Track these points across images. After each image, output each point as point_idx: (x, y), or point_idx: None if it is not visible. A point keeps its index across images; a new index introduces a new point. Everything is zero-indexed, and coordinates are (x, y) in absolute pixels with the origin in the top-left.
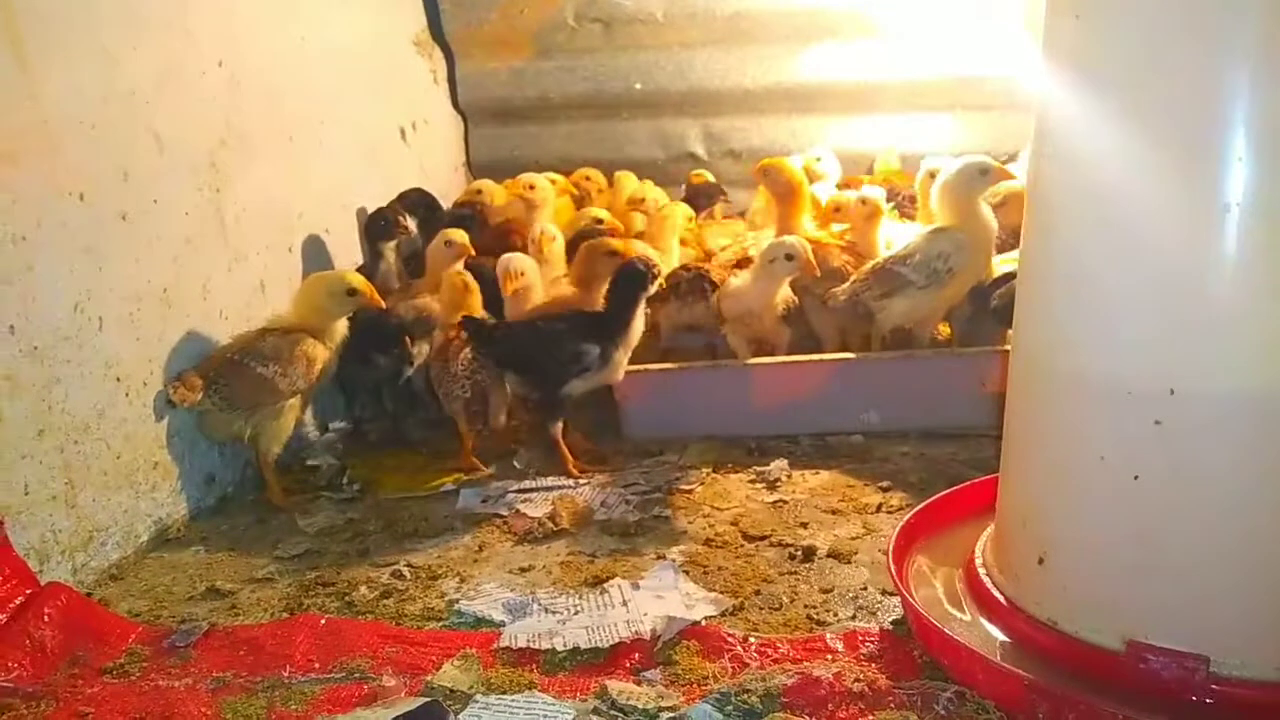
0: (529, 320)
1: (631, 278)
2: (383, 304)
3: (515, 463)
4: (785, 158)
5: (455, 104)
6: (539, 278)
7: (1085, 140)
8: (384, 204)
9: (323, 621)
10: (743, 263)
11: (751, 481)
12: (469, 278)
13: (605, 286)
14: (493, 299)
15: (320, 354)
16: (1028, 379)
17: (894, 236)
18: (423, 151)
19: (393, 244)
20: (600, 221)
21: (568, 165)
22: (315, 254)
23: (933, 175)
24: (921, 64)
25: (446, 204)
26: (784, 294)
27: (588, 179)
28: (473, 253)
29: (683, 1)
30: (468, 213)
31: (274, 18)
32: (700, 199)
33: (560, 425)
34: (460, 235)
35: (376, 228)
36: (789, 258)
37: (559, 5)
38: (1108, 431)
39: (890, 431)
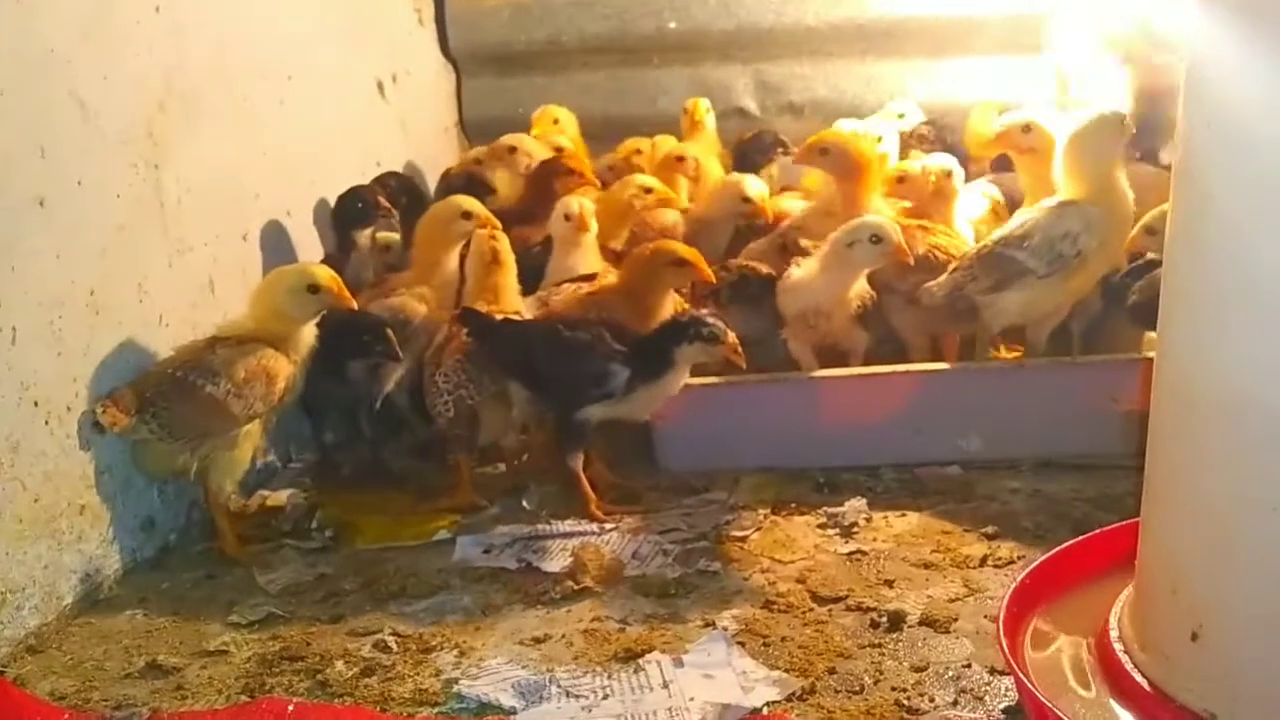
0: (549, 320)
1: (678, 332)
2: (354, 303)
3: (525, 502)
4: (843, 130)
5: (445, 50)
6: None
7: (1257, 98)
8: (358, 180)
9: (290, 707)
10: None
11: (821, 526)
12: (502, 244)
13: (661, 303)
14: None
15: (283, 368)
16: (1177, 402)
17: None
18: (406, 110)
19: (369, 231)
20: (649, 191)
21: (586, 124)
22: (275, 243)
23: (1027, 129)
24: None
25: (435, 172)
26: (859, 288)
27: (639, 153)
28: (495, 224)
29: None
30: (462, 183)
31: None
32: (754, 155)
33: (580, 456)
34: (474, 203)
35: (350, 210)
36: (875, 240)
37: None
38: None
39: (997, 461)
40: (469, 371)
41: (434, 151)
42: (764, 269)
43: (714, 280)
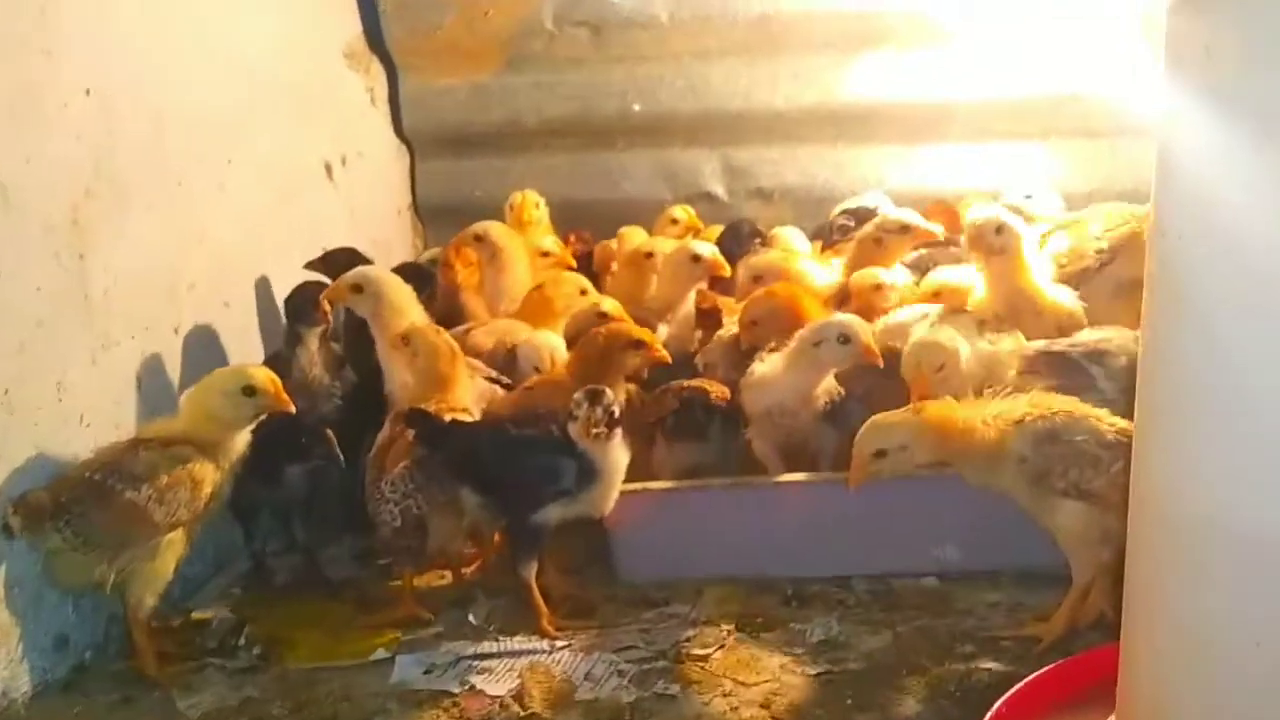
0: (496, 418)
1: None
2: (292, 406)
3: (471, 615)
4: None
5: (398, 131)
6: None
7: (1233, 190)
8: (300, 268)
9: None
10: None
11: (788, 644)
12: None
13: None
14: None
15: (209, 475)
16: (1152, 519)
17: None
18: (355, 193)
19: (319, 330)
20: (604, 315)
21: (549, 209)
22: (210, 337)
23: (999, 230)
24: (1004, 79)
25: (387, 258)
26: (827, 384)
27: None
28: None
29: (694, 0)
30: (425, 270)
31: (159, 27)
32: (731, 246)
33: (534, 565)
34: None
35: (300, 306)
36: (843, 340)
37: (534, 5)
38: (1268, 608)
39: (976, 573)
40: (417, 479)
41: (385, 235)
42: (713, 390)
43: (668, 360)
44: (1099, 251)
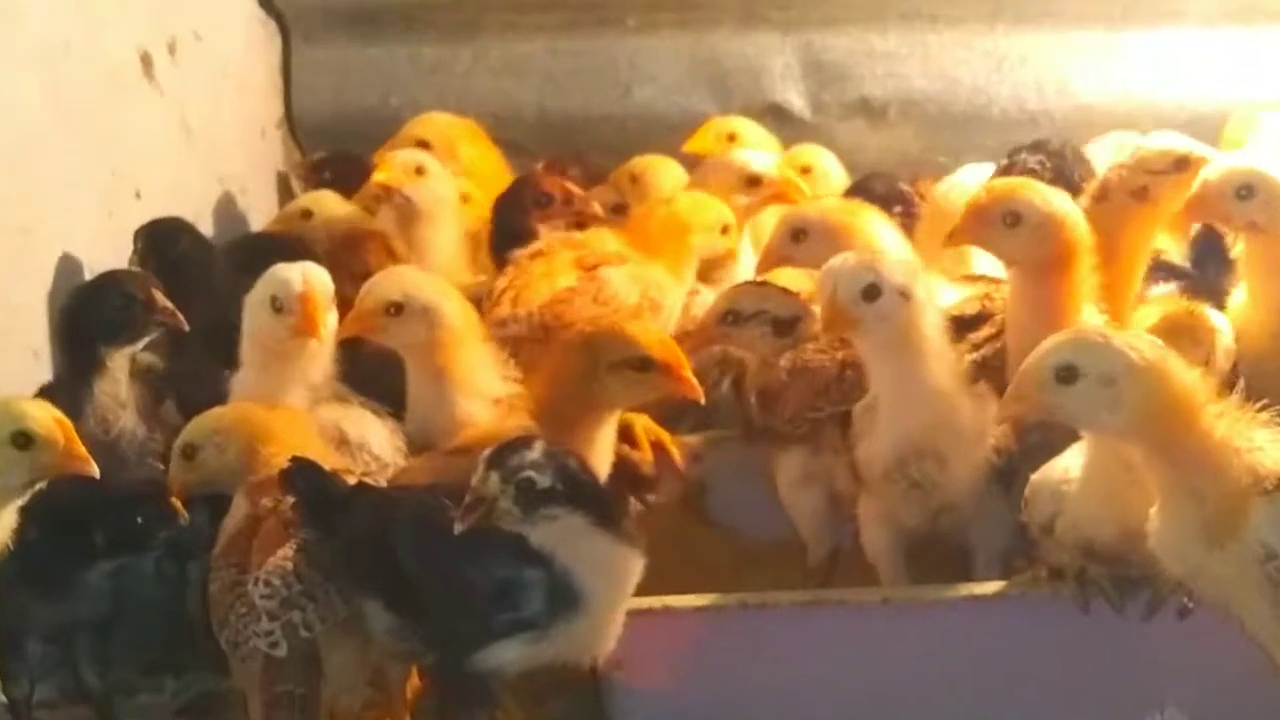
0: (429, 489)
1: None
2: (92, 465)
3: None
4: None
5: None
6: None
7: None
8: (96, 230)
9: None
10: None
11: None
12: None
13: (598, 434)
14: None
15: None
16: None
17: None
18: (192, 99)
19: (130, 349)
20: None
21: (511, 127)
22: None
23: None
24: None
25: (250, 211)
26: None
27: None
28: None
29: None
30: (291, 244)
31: None
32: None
33: None
34: None
35: (99, 312)
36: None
37: None
38: None
39: None
40: (306, 579)
41: (241, 169)
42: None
43: (698, 395)
44: None
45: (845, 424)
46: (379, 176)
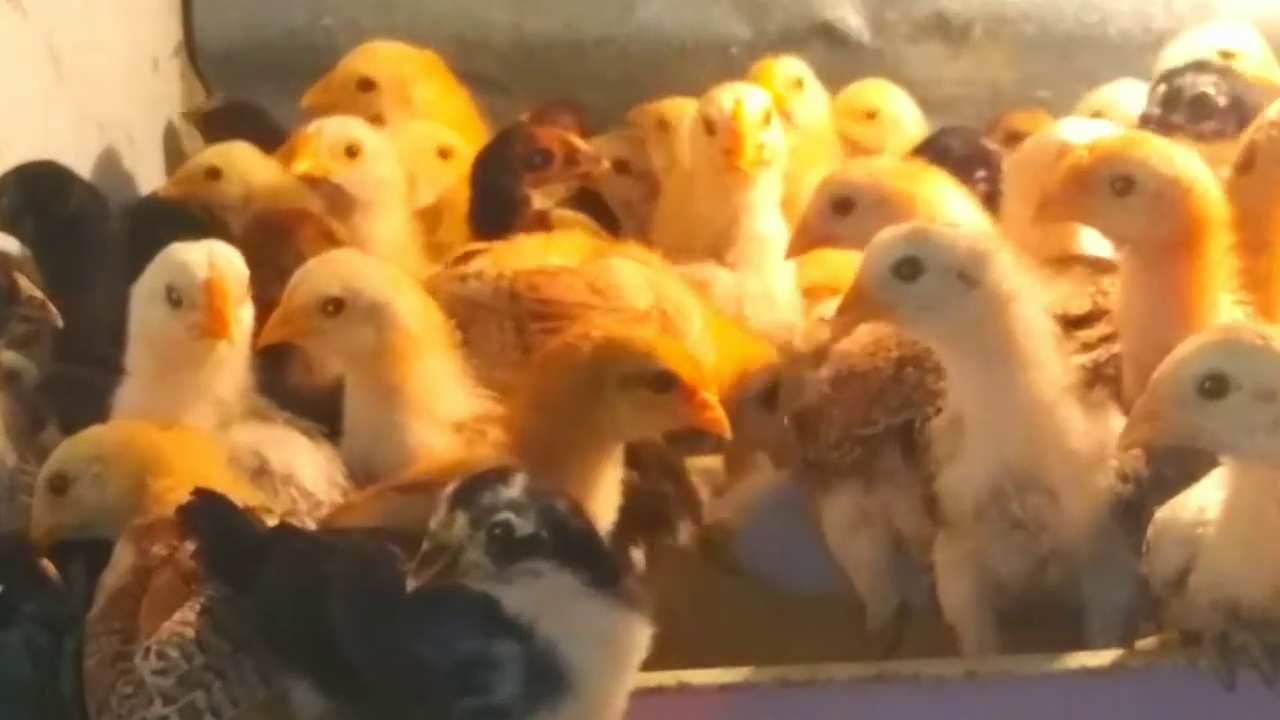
0: (365, 528)
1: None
2: None
3: None
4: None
5: None
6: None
7: None
8: None
9: None
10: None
11: None
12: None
13: (601, 471)
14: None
15: None
16: None
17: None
18: (60, 23)
19: None
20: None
21: (478, 54)
22: None
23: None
24: None
25: (150, 173)
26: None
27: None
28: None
29: None
30: (196, 215)
31: None
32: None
33: None
34: None
35: None
36: None
37: None
38: None
39: None
40: (210, 647)
41: (125, 111)
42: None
43: (725, 429)
44: None
45: (907, 443)
46: (300, 165)
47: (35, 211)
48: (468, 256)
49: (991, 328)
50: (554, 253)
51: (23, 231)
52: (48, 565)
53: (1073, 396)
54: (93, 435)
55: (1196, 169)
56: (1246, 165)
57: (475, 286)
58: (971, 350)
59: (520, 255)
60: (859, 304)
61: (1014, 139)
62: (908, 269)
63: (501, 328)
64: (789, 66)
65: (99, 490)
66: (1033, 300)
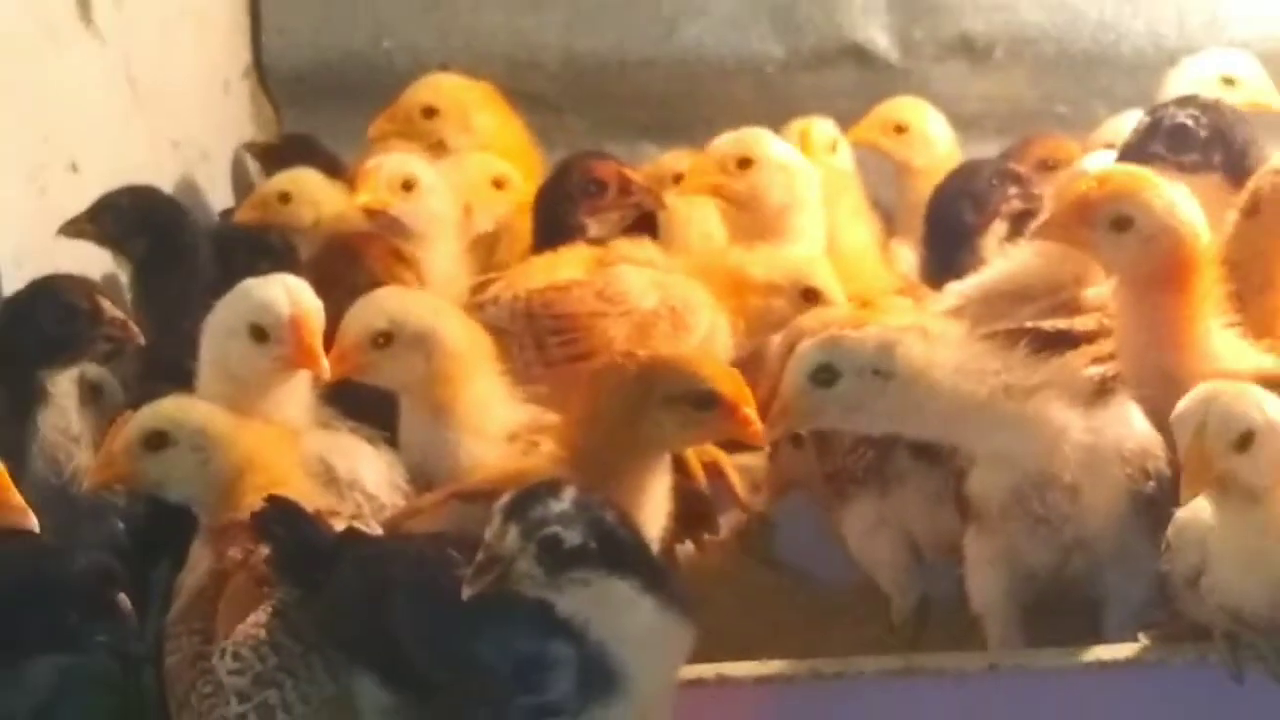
0: (429, 536)
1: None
2: (30, 518)
3: None
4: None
5: None
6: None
7: None
8: (64, 227)
9: None
10: None
11: None
12: None
13: (649, 481)
14: None
15: None
16: None
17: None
18: (137, 48)
19: (73, 372)
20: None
21: (529, 74)
22: None
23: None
24: None
25: (211, 185)
26: (1146, 442)
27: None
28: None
29: None
30: (273, 241)
31: None
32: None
33: None
34: None
35: (35, 329)
36: None
37: None
38: None
39: None
40: (284, 649)
41: (198, 132)
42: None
43: (759, 437)
44: None
45: (914, 443)
46: (361, 198)
47: (150, 233)
48: (483, 285)
49: (922, 408)
50: (562, 267)
51: (132, 250)
52: (124, 599)
53: (1052, 392)
54: (202, 409)
55: (1193, 214)
56: (1252, 210)
57: (493, 312)
58: (919, 426)
59: (531, 275)
60: (786, 415)
61: (1043, 166)
62: (824, 375)
63: (523, 346)
64: (824, 129)
65: (199, 464)
66: (946, 357)
